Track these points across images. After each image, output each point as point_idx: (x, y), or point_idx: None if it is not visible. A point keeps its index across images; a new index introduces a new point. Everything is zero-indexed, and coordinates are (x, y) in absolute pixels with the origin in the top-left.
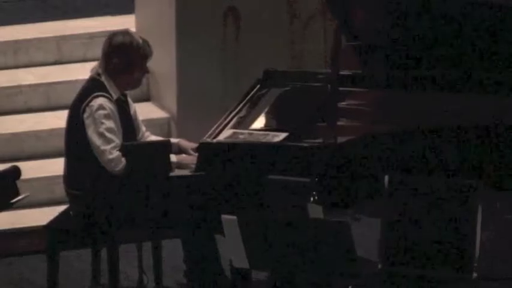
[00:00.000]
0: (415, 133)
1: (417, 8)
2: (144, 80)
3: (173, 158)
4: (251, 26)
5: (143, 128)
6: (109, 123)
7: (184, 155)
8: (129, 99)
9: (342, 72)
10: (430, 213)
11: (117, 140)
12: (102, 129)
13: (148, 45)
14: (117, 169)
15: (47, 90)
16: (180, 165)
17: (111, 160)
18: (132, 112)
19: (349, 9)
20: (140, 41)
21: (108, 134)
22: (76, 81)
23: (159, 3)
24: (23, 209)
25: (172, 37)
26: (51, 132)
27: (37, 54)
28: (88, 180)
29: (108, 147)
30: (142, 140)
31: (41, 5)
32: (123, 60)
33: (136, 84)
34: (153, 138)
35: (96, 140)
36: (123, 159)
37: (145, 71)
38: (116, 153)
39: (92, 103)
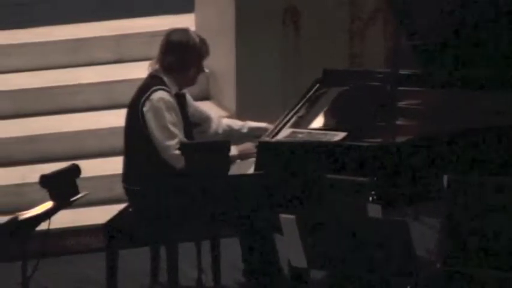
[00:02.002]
0: (475, 132)
1: (479, 5)
2: (203, 79)
3: (234, 150)
4: (311, 25)
5: (214, 119)
6: (171, 117)
7: (244, 145)
8: (188, 97)
9: (401, 72)
10: (489, 213)
11: (180, 135)
12: (164, 122)
13: (205, 44)
14: (180, 166)
15: (108, 88)
16: (241, 156)
17: (175, 156)
18: (192, 110)
19: (410, 9)
20: (197, 40)
21: (171, 128)
22: (136, 79)
23: (219, 2)
24: (83, 207)
25: (231, 36)
26: (112, 130)
27: (98, 52)
28: (147, 178)
29: (172, 142)
30: (220, 129)
31: (102, 4)
32: (178, 59)
33: (190, 82)
34: (233, 123)
35: (159, 134)
36: None
37: (201, 70)
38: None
39: (152, 96)
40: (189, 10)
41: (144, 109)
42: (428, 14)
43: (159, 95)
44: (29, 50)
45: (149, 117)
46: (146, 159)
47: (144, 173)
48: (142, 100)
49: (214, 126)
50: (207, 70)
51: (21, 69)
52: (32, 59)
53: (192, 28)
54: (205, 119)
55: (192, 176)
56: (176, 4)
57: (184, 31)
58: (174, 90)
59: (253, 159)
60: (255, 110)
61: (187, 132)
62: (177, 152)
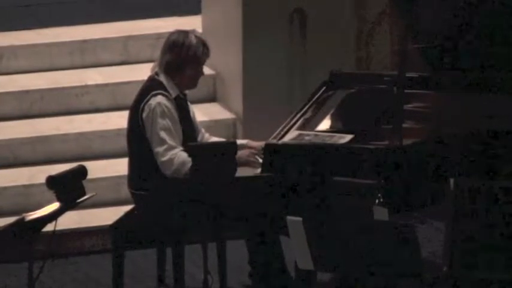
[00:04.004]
0: (482, 136)
1: (486, 9)
2: (210, 81)
3: None
4: (317, 28)
5: (202, 130)
6: (164, 122)
7: (242, 152)
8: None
9: (408, 75)
10: (496, 216)
11: (170, 141)
12: (157, 129)
13: (205, 46)
14: (168, 173)
15: (114, 90)
16: (241, 164)
17: (162, 163)
18: (191, 113)
19: (417, 11)
20: (194, 41)
21: (161, 134)
22: (143, 81)
23: (226, 4)
24: (89, 209)
25: (238, 38)
26: (118, 132)
27: (104, 54)
28: (150, 181)
29: (160, 149)
30: (204, 142)
31: (108, 5)
32: (174, 59)
33: (189, 84)
34: (215, 139)
35: (151, 140)
36: (175, 163)
37: (199, 72)
38: (168, 156)
39: (150, 101)
40: (196, 12)
41: (143, 114)
42: (434, 16)
43: (157, 100)
44: (36, 51)
45: (146, 122)
46: (149, 163)
47: (147, 178)
48: (142, 105)
49: (199, 139)
50: (213, 72)
51: (28, 70)
52: (39, 60)
53: (199, 30)
54: (196, 129)
55: (198, 177)
56: (183, 6)
57: (183, 32)
58: (174, 93)
59: (251, 169)
60: (262, 112)
61: (190, 135)
62: (165, 158)
